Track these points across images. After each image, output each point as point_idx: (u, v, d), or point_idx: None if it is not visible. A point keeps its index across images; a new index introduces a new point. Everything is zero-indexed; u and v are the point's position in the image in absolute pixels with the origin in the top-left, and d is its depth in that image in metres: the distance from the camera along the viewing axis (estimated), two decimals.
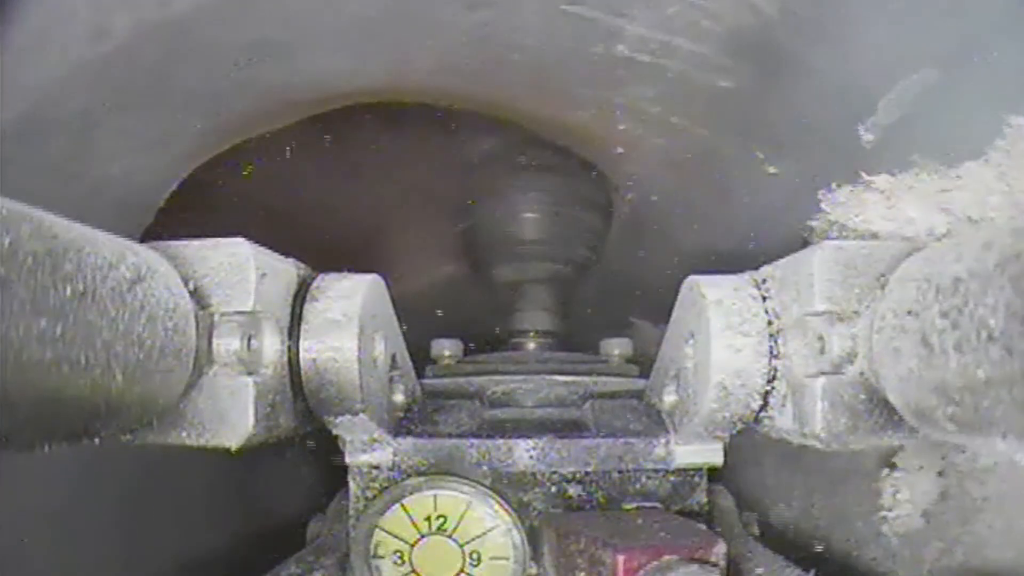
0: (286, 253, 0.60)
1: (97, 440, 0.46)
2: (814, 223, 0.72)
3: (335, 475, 0.79)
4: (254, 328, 0.53)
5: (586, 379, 0.83)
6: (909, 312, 0.44)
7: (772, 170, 0.72)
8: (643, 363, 0.88)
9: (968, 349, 0.39)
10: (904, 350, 0.45)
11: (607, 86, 0.73)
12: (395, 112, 0.89)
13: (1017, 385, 0.36)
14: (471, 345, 0.98)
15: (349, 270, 0.63)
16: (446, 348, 0.94)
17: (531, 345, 1.05)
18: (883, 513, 0.82)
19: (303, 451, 0.63)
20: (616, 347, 0.94)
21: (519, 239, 1.07)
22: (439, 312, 1.20)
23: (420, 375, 0.86)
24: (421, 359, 0.92)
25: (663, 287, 0.62)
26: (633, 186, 0.95)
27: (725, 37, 0.62)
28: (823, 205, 0.70)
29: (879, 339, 0.48)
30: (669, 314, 0.68)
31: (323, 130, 0.94)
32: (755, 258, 0.62)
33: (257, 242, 0.55)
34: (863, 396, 0.51)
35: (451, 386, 0.84)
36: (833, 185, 0.67)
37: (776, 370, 0.56)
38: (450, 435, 0.70)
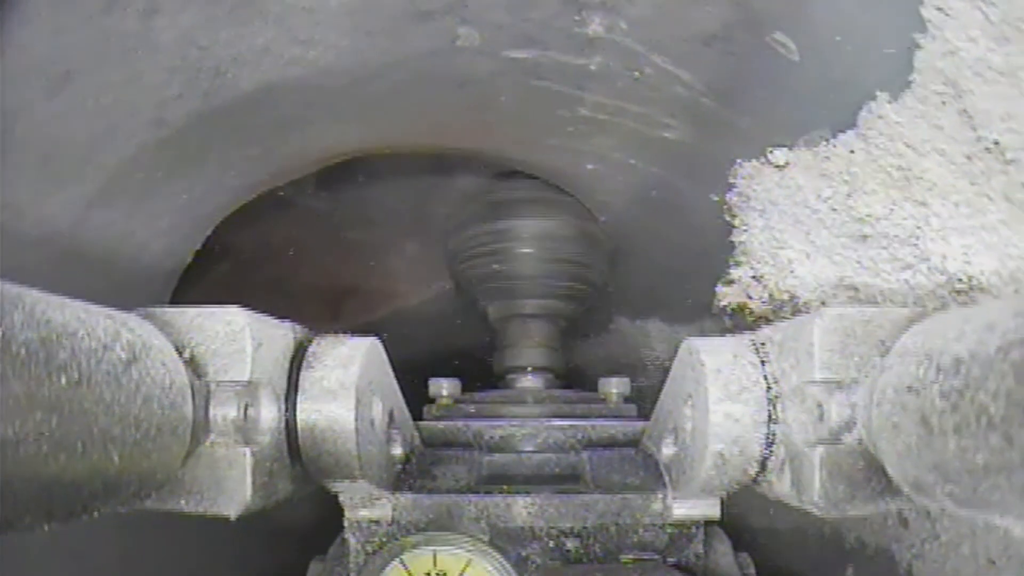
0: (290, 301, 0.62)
1: (96, 515, 0.45)
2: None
3: (335, 515, 0.78)
4: (251, 397, 0.53)
5: (584, 423, 0.83)
6: (909, 389, 0.44)
7: (714, 197, 0.83)
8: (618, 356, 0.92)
9: (967, 433, 0.39)
10: (903, 427, 0.45)
11: (573, 138, 0.87)
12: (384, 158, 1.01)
13: (1016, 472, 0.36)
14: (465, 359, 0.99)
15: (348, 329, 0.63)
16: (444, 387, 0.94)
17: (528, 381, 1.05)
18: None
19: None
20: (615, 387, 0.93)
21: (511, 275, 1.07)
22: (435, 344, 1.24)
23: (417, 415, 0.86)
24: (418, 400, 0.92)
25: (637, 290, 0.70)
26: (606, 212, 1.07)
27: (663, 103, 0.76)
28: (732, 180, 0.80)
29: (878, 413, 0.48)
30: (647, 315, 0.71)
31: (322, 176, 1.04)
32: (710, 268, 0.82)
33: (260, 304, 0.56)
34: (861, 464, 0.51)
35: (449, 430, 0.83)
36: (740, 161, 0.77)
37: (775, 435, 0.56)
38: (448, 491, 0.70)
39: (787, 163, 0.72)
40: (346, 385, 0.57)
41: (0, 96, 0.61)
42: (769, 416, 0.56)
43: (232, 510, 0.52)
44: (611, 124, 0.82)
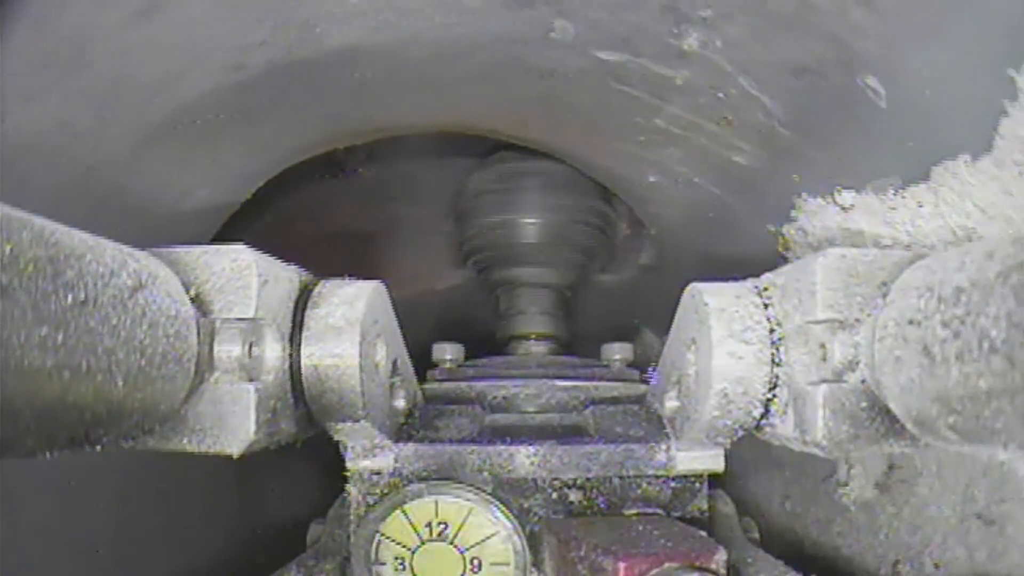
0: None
1: (99, 447, 0.46)
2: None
3: (335, 477, 0.79)
4: (255, 335, 0.53)
5: (587, 384, 0.83)
6: (911, 322, 0.44)
7: (771, 228, 0.83)
8: (644, 367, 0.91)
9: (970, 359, 0.39)
10: (906, 359, 0.45)
11: (642, 147, 0.87)
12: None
13: (1019, 396, 0.36)
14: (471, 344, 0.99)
15: (351, 276, 0.63)
16: (447, 352, 0.94)
17: (532, 348, 1.05)
18: (841, 490, 0.90)
19: (302, 452, 0.63)
20: (617, 352, 0.94)
21: (518, 243, 1.07)
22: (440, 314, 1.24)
23: (421, 379, 0.86)
24: (422, 363, 0.92)
25: (669, 307, 0.69)
26: (657, 224, 1.08)
27: (740, 125, 0.75)
28: (793, 213, 0.79)
29: (881, 348, 0.48)
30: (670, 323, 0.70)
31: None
32: None
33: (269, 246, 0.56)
34: (864, 404, 0.51)
35: (452, 391, 0.83)
36: (806, 195, 0.76)
37: (778, 377, 0.56)
38: (451, 441, 0.70)
39: (852, 205, 0.71)
40: (351, 321, 0.57)
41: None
42: (772, 358, 0.56)
43: (235, 447, 0.52)
44: (683, 139, 0.82)
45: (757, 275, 0.61)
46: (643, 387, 0.84)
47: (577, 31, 0.70)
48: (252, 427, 0.52)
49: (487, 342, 1.08)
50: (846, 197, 0.71)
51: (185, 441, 0.53)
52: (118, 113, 0.70)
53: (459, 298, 1.32)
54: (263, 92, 0.76)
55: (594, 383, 0.83)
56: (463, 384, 0.84)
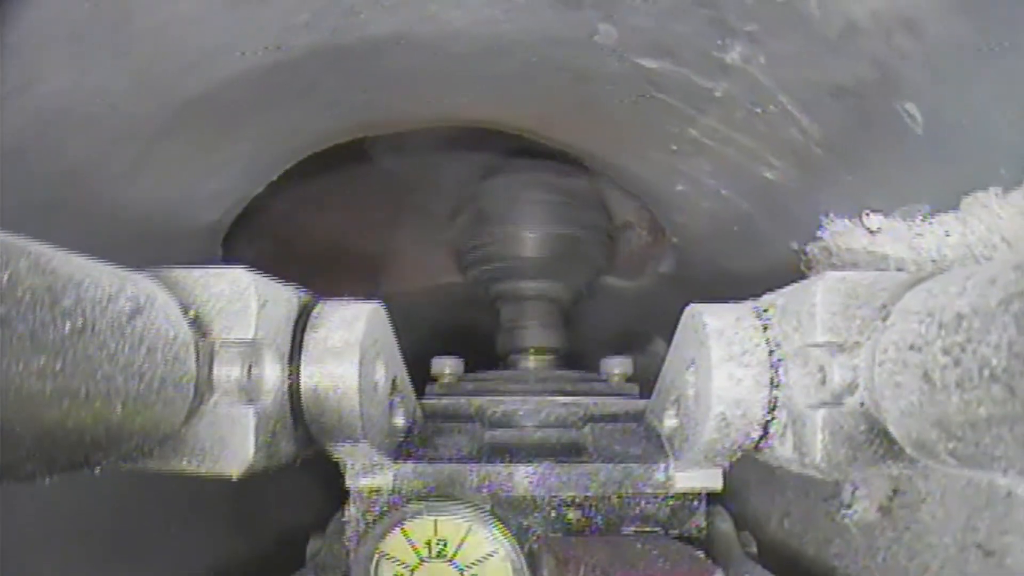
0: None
1: (98, 469, 0.46)
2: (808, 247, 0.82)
3: (334, 491, 0.79)
4: (255, 356, 0.53)
5: (586, 400, 0.83)
6: (911, 347, 0.44)
7: (794, 246, 0.83)
8: (651, 377, 0.91)
9: (970, 387, 0.39)
10: (905, 384, 0.45)
11: (674, 156, 0.87)
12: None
13: (1019, 424, 0.36)
14: (468, 351, 0.99)
15: (350, 295, 0.63)
16: (447, 366, 0.94)
17: (531, 362, 1.05)
18: (843, 511, 0.89)
19: (302, 462, 0.63)
20: (616, 366, 0.94)
21: (519, 256, 1.07)
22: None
23: (420, 393, 0.86)
24: (421, 377, 0.92)
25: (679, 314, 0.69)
26: (680, 235, 1.08)
27: (774, 142, 0.75)
28: (818, 232, 0.78)
29: (880, 372, 0.48)
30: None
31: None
32: None
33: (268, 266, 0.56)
34: (863, 427, 0.51)
35: (451, 406, 0.83)
36: (833, 215, 0.76)
37: (777, 399, 0.56)
38: (450, 459, 0.70)
39: (879, 229, 0.71)
40: (350, 344, 0.57)
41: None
42: (771, 379, 0.56)
43: (235, 469, 0.52)
44: (715, 151, 0.82)
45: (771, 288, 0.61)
46: (642, 402, 0.84)
47: (621, 36, 0.69)
48: (251, 449, 0.52)
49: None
50: (874, 220, 0.71)
51: (184, 462, 0.53)
52: (154, 85, 0.69)
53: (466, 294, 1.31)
54: (299, 75, 0.76)
55: (593, 399, 0.83)
56: (462, 399, 0.84)
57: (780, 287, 0.60)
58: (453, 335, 1.27)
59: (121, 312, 0.43)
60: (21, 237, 0.37)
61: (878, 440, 0.51)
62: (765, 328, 0.57)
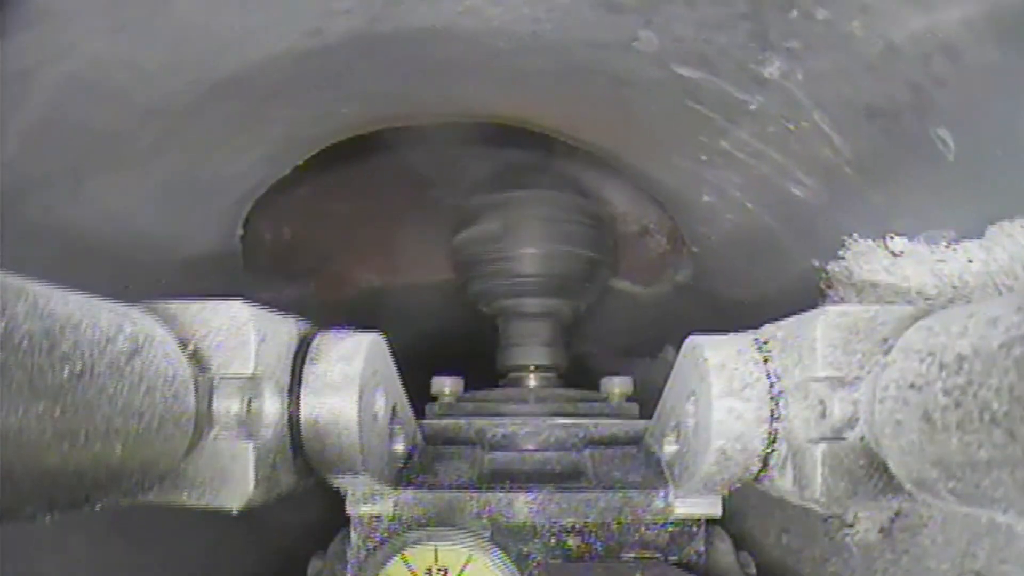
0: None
1: (98, 507, 0.46)
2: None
3: (336, 511, 0.79)
4: (254, 391, 0.53)
5: (586, 421, 0.83)
6: (912, 385, 0.44)
7: (815, 263, 0.83)
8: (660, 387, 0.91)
9: (971, 429, 0.39)
10: (906, 423, 0.45)
11: (703, 166, 0.87)
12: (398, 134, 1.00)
13: (1019, 468, 0.36)
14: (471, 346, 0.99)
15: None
16: (446, 385, 0.94)
17: (531, 380, 1.05)
18: (844, 530, 0.89)
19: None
20: (617, 386, 0.93)
21: (517, 273, 1.07)
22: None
23: (420, 413, 0.86)
24: (422, 396, 0.92)
25: (696, 327, 0.68)
26: (700, 244, 1.08)
27: (805, 158, 0.75)
28: (841, 252, 0.78)
29: (881, 409, 0.48)
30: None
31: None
32: None
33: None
34: (863, 461, 0.51)
35: (451, 428, 0.83)
36: (857, 235, 0.76)
37: (777, 432, 0.56)
38: (450, 486, 0.70)
39: (902, 252, 0.71)
40: (350, 378, 0.57)
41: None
42: (771, 412, 0.56)
43: (234, 503, 0.52)
44: (744, 164, 0.81)
45: (794, 309, 0.61)
46: (641, 423, 0.84)
47: (661, 43, 0.69)
48: (251, 483, 0.52)
49: None
50: (898, 243, 0.71)
51: (184, 496, 0.53)
52: (186, 62, 0.69)
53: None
54: (334, 62, 0.75)
55: (593, 420, 0.83)
56: (462, 420, 0.84)
57: (797, 304, 0.60)
58: (455, 329, 1.27)
59: (120, 353, 0.43)
60: (19, 277, 0.37)
61: (878, 474, 0.51)
62: (766, 360, 0.57)
